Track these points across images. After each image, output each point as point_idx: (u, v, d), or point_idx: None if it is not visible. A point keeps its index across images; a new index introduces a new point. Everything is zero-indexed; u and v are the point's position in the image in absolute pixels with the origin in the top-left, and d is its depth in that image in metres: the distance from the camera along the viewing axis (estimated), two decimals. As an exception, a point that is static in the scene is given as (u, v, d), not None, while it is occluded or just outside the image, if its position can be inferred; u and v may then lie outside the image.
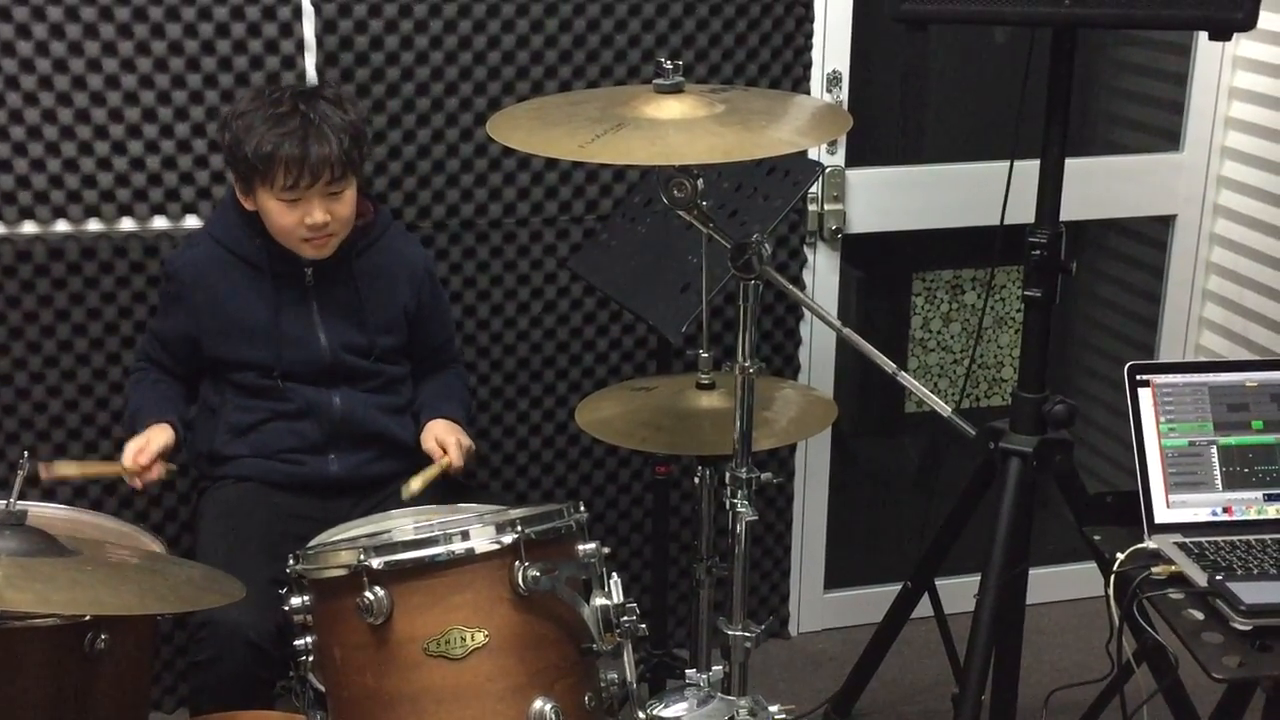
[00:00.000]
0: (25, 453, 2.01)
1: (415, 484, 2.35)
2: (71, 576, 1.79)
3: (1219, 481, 2.16)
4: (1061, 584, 3.36)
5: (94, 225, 2.73)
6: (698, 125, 1.98)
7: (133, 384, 2.62)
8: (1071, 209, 2.39)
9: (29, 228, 2.70)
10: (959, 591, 2.70)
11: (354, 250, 2.54)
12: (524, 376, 3.02)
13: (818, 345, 3.17)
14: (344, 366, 2.53)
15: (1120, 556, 2.05)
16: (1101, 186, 3.23)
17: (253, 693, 2.24)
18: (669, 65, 2.02)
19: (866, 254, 3.21)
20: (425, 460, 2.50)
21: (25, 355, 2.75)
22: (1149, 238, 3.41)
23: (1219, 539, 2.09)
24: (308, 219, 2.40)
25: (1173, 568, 2.02)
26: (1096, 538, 2.17)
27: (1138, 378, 2.19)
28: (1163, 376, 2.19)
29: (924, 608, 2.77)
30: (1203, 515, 2.15)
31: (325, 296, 2.53)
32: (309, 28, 2.72)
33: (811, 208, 3.07)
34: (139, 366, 2.64)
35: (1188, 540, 2.09)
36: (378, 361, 2.56)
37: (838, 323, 2.08)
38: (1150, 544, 2.08)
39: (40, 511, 2.08)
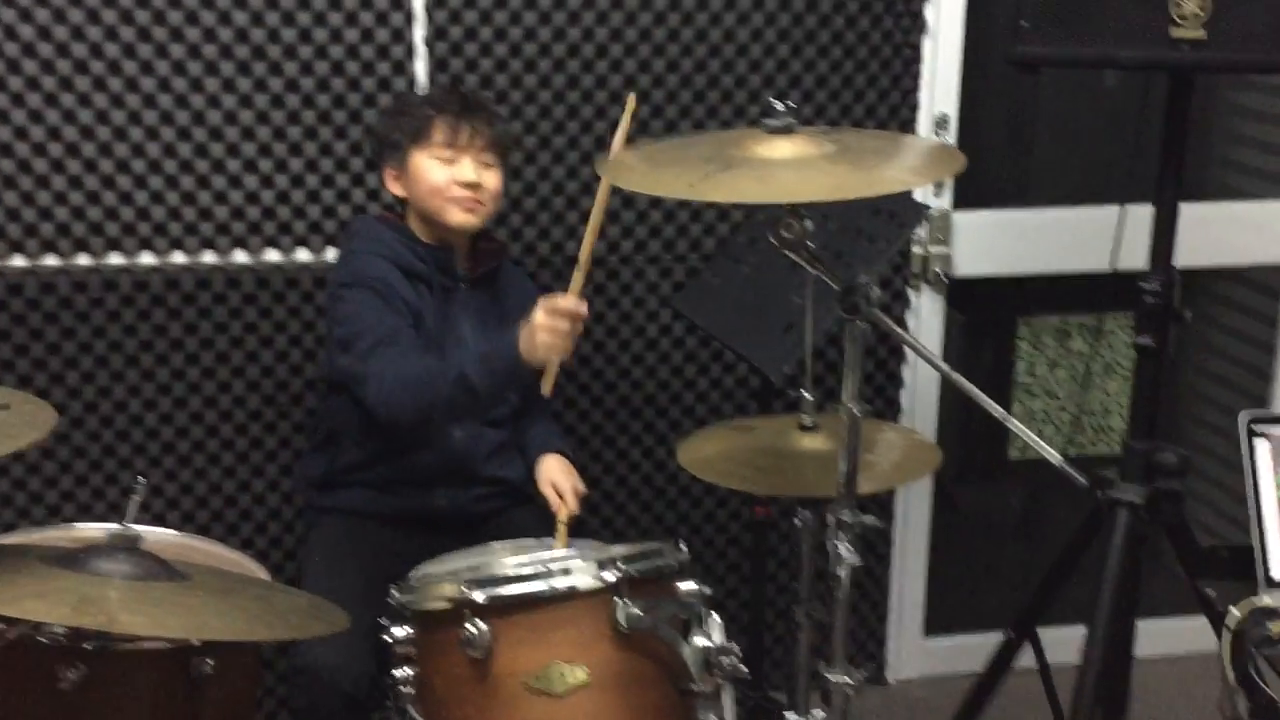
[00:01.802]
0: (139, 477, 2.05)
1: (559, 545, 2.35)
2: (183, 601, 1.82)
3: (1339, 537, 2.10)
4: (1170, 638, 3.27)
5: (208, 256, 2.80)
6: (808, 164, 1.98)
7: (409, 366, 2.35)
8: (1184, 255, 2.35)
9: (147, 258, 2.77)
10: (1063, 642, 2.63)
11: (500, 268, 2.60)
12: (624, 414, 3.03)
13: (919, 388, 3.14)
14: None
15: (1235, 612, 2.00)
16: (1216, 233, 3.17)
17: None
18: (779, 106, 2.02)
19: (971, 298, 3.17)
20: (527, 494, 2.52)
21: (139, 383, 2.81)
22: (1263, 285, 3.33)
23: (1339, 596, 2.03)
24: (459, 175, 2.46)
25: (1291, 625, 1.96)
26: (1210, 593, 2.12)
27: (1254, 429, 2.14)
28: (1280, 428, 2.14)
29: (1027, 658, 2.71)
30: (1322, 571, 2.09)
31: (476, 313, 2.56)
32: (421, 67, 2.77)
33: (916, 250, 3.05)
34: (384, 353, 2.37)
35: (1306, 597, 2.03)
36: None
37: (945, 366, 2.06)
38: (1266, 600, 2.03)
39: (153, 536, 2.12)
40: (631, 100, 2.30)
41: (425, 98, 2.55)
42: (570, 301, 2.22)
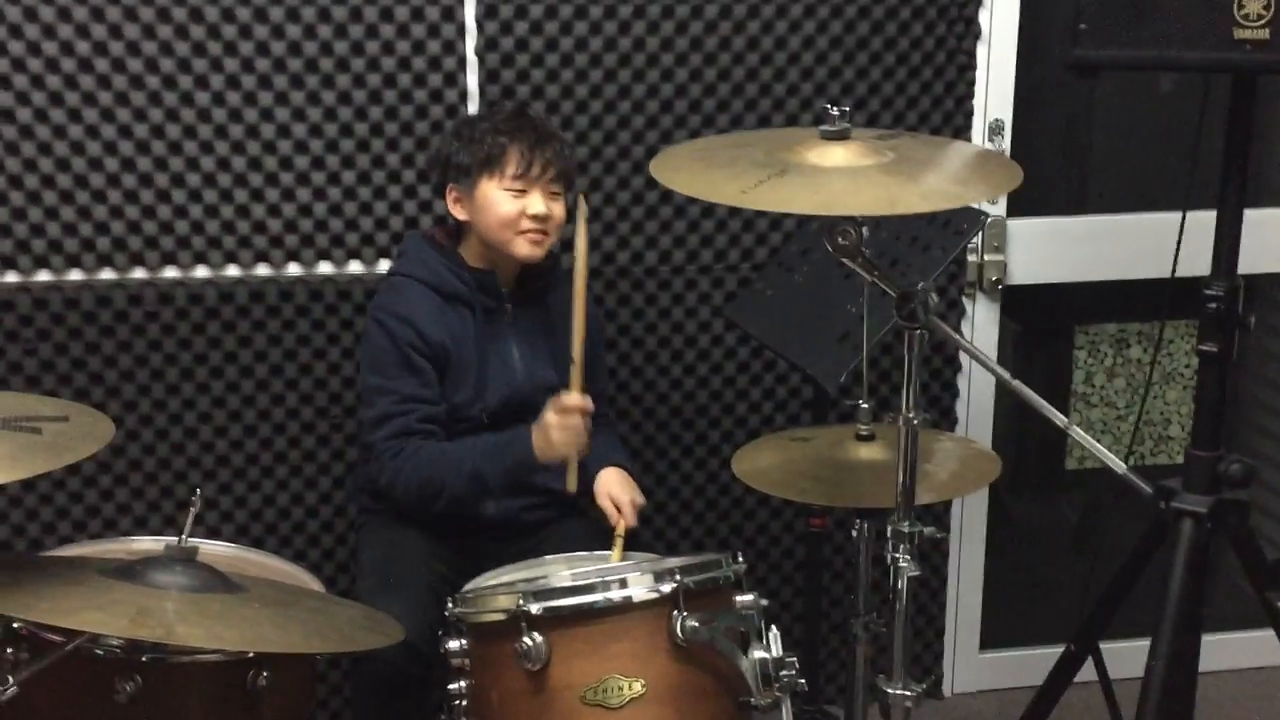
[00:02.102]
0: (197, 490, 2.05)
1: (614, 558, 2.34)
2: (240, 613, 1.83)
3: None
4: (1236, 651, 3.22)
5: (264, 269, 2.81)
6: (862, 174, 1.96)
7: (425, 463, 2.43)
8: (1246, 262, 2.31)
9: (201, 271, 2.78)
10: (1125, 656, 2.59)
11: (548, 284, 2.58)
12: (677, 424, 3.01)
13: (975, 398, 3.10)
14: (535, 407, 2.52)
15: (1306, 625, 1.95)
16: (1277, 239, 3.11)
17: (408, 692, 2.26)
18: (835, 111, 2.00)
19: (1027, 306, 3.14)
20: (579, 506, 2.50)
21: (194, 396, 2.82)
22: (1327, 292, 3.27)
23: None
24: (530, 209, 2.45)
25: (1363, 638, 1.91)
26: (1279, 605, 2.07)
27: (1323, 438, 2.09)
28: (1351, 437, 2.09)
29: (1087, 671, 2.67)
30: (1395, 584, 2.04)
31: (523, 332, 2.56)
32: (472, 79, 2.78)
33: (971, 258, 3.02)
34: (401, 447, 2.45)
35: (1379, 610, 1.98)
36: None
37: (1006, 374, 2.03)
38: (1339, 613, 1.98)
39: (208, 548, 2.12)
40: (582, 202, 2.34)
41: (497, 125, 2.50)
42: (576, 399, 2.34)
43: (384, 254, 2.81)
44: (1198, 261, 2.27)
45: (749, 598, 1.95)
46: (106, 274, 2.75)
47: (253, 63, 2.69)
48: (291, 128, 2.74)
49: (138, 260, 2.76)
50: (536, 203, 2.46)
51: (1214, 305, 2.24)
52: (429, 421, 2.47)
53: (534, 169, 2.45)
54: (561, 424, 2.35)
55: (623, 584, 1.88)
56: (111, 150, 2.70)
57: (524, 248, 2.48)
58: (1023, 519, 3.45)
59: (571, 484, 2.39)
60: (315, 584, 2.26)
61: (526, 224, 2.46)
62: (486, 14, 2.74)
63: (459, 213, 2.52)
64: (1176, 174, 3.13)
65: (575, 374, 2.35)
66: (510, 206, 2.46)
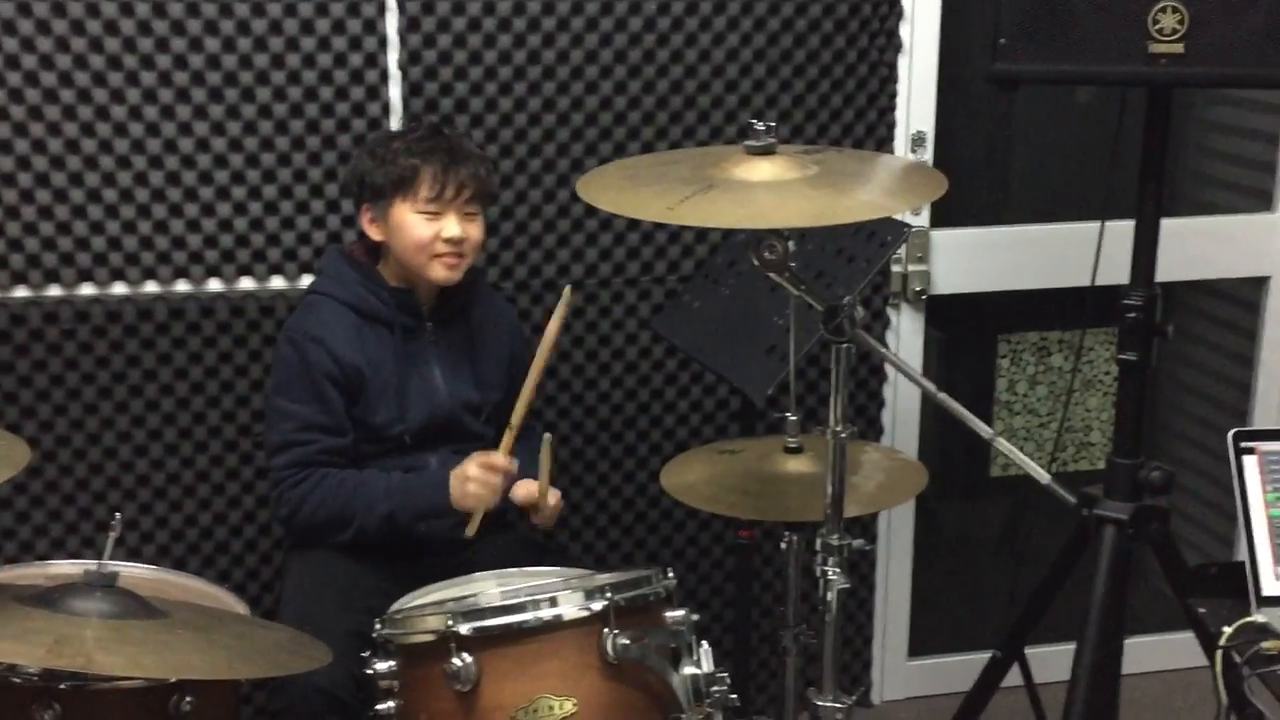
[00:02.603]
0: (116, 514, 2.01)
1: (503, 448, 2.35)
2: (162, 639, 1.79)
3: (1329, 553, 2.09)
4: (1158, 654, 3.27)
5: (182, 286, 2.77)
6: (788, 188, 1.97)
7: (330, 496, 2.41)
8: (1162, 270, 2.34)
9: (119, 288, 2.74)
10: (1050, 660, 2.63)
11: (469, 301, 2.56)
12: (605, 438, 3.00)
13: (901, 407, 3.13)
14: (458, 425, 2.52)
15: (1227, 631, 1.99)
16: (1192, 247, 3.18)
17: None
18: (761, 127, 2.01)
19: (951, 315, 3.17)
20: (507, 521, 2.50)
21: (113, 415, 2.77)
22: (1241, 300, 3.34)
23: (1331, 613, 2.02)
24: (445, 232, 2.42)
25: (1283, 642, 1.95)
26: (1201, 610, 2.10)
27: (1242, 445, 2.13)
28: (1269, 444, 2.13)
29: (1014, 677, 2.70)
30: (1313, 587, 2.08)
31: (444, 351, 2.54)
32: (395, 92, 2.75)
33: (895, 268, 3.04)
34: (304, 476, 2.43)
35: (1297, 614, 2.02)
36: (486, 422, 2.56)
37: (932, 387, 2.04)
38: (1258, 617, 2.02)
39: (129, 572, 2.08)
40: (567, 292, 2.34)
41: (410, 145, 2.45)
42: (503, 461, 2.37)
43: (307, 269, 2.77)
44: (1117, 270, 2.31)
45: (679, 614, 1.95)
46: (21, 291, 2.70)
47: (170, 76, 2.65)
48: (211, 142, 2.70)
49: (53, 277, 2.70)
50: (451, 226, 2.43)
51: (1133, 314, 2.27)
52: (330, 453, 2.44)
53: (448, 191, 2.42)
54: (482, 480, 2.36)
55: (553, 602, 1.87)
56: (25, 165, 2.64)
57: (439, 271, 2.45)
58: (949, 526, 3.48)
59: (471, 531, 2.40)
60: (239, 606, 2.22)
61: (441, 247, 2.42)
62: (409, 27, 2.72)
63: (374, 233, 2.48)
64: (1095, 184, 3.19)
65: (508, 438, 2.37)
66: (424, 230, 2.42)
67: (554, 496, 2.48)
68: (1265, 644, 1.95)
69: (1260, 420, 3.30)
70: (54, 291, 2.71)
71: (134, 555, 2.75)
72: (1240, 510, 2.11)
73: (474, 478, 2.36)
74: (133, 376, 2.76)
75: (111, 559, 1.95)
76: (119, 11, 2.60)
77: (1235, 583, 2.09)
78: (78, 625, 1.77)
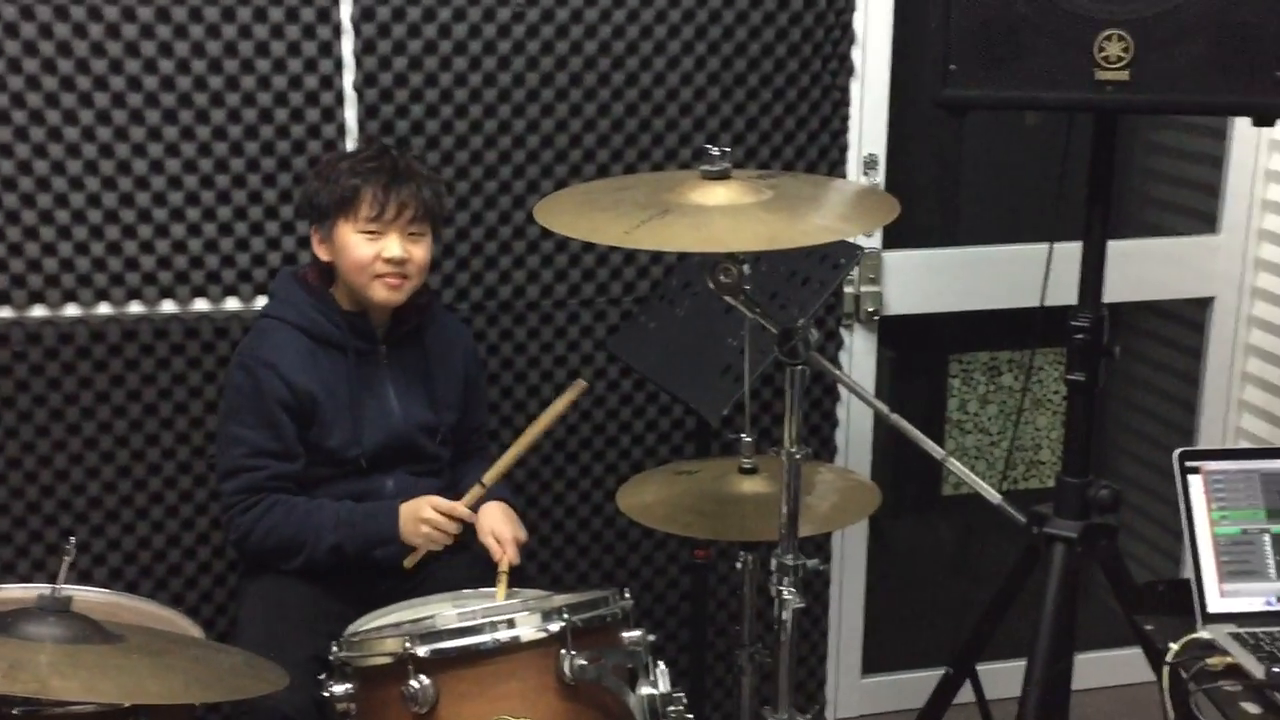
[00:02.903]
0: (70, 538, 2.00)
1: (499, 597, 2.34)
2: (117, 663, 1.79)
3: (1273, 570, 2.14)
4: (1107, 670, 3.31)
5: (135, 308, 2.76)
6: (743, 212, 1.99)
7: (280, 523, 2.42)
8: (1109, 291, 2.38)
9: (71, 310, 2.72)
10: (1001, 677, 2.66)
11: (423, 323, 2.56)
12: (560, 459, 3.01)
13: (854, 428, 3.16)
14: (415, 447, 2.52)
15: (1174, 647, 2.02)
16: (1138, 269, 3.23)
17: None
18: (716, 152, 2.03)
19: (903, 336, 3.20)
20: (463, 542, 2.50)
21: (65, 437, 2.75)
22: (1187, 320, 3.40)
23: (1275, 629, 2.06)
24: (385, 252, 2.42)
25: (1228, 659, 1.99)
26: (1148, 627, 2.14)
27: (1187, 464, 2.17)
28: (1213, 463, 2.17)
29: (965, 694, 2.72)
30: (1257, 605, 2.12)
31: (399, 373, 2.54)
32: (351, 114, 2.75)
33: (848, 290, 3.07)
34: (254, 502, 2.43)
35: (1242, 630, 2.06)
36: (442, 444, 2.56)
37: (885, 408, 2.07)
38: (1204, 634, 2.06)
39: (82, 596, 2.07)
40: (580, 385, 2.40)
41: (353, 165, 2.46)
42: (464, 513, 2.39)
43: (261, 290, 2.77)
44: (1066, 291, 2.34)
45: (636, 634, 1.96)
46: (-29, 313, 2.68)
47: (124, 98, 2.64)
48: (165, 163, 2.69)
49: (4, 299, 2.68)
50: (393, 246, 2.42)
51: (1080, 335, 2.31)
52: (280, 479, 2.44)
53: (388, 211, 2.42)
54: (438, 524, 2.37)
55: (510, 624, 1.88)
56: (-24, 186, 2.63)
57: (381, 292, 2.45)
58: (901, 544, 3.51)
59: (410, 564, 2.41)
60: (194, 629, 2.22)
61: (382, 267, 2.43)
62: (364, 49, 2.73)
63: (323, 254, 2.49)
64: (1045, 206, 3.23)
65: (476, 493, 2.40)
66: (365, 250, 2.42)
67: (519, 532, 2.50)
68: (1210, 660, 1.99)
69: (1206, 438, 3.36)
70: (5, 313, 2.69)
71: (86, 579, 2.72)
72: (1186, 528, 2.15)
73: (429, 520, 2.37)
74: (85, 399, 2.74)
75: (64, 583, 1.94)
76: (72, 33, 2.60)
77: (1182, 600, 2.13)
78: (32, 650, 1.76)
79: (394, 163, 2.47)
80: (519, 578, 2.54)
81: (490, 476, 2.40)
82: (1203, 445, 3.31)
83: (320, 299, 2.49)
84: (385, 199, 2.41)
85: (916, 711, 2.77)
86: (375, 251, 2.42)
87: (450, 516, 2.37)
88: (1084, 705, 3.13)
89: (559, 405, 2.38)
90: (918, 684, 2.88)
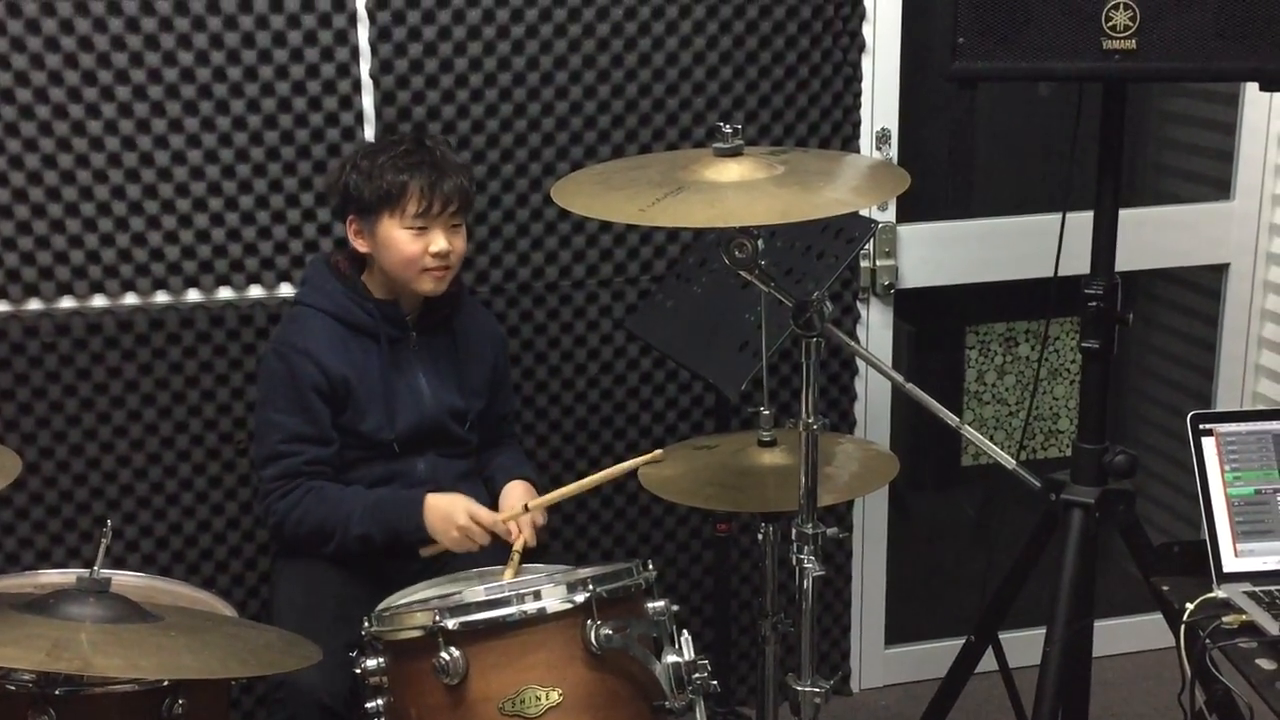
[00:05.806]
0: (107, 522, 2.05)
1: (508, 576, 2.35)
2: (156, 642, 1.83)
3: (1287, 530, 2.16)
4: (1127, 636, 3.34)
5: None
6: (756, 187, 2.02)
7: (313, 510, 2.44)
8: (1124, 259, 2.40)
9: (99, 301, 2.77)
10: (1023, 644, 2.68)
11: (452, 311, 2.60)
12: (582, 437, 3.05)
13: (873, 400, 3.19)
14: (444, 431, 2.55)
15: (1190, 607, 2.05)
16: (1153, 237, 3.24)
17: None
18: (728, 129, 2.06)
19: (919, 308, 3.23)
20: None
21: (95, 426, 2.80)
22: (1202, 287, 3.41)
23: (1289, 587, 2.08)
24: (433, 247, 2.45)
25: (1243, 617, 2.01)
26: (1165, 588, 2.16)
27: (1200, 427, 2.19)
28: (1226, 425, 2.19)
29: (988, 661, 2.75)
30: (1272, 564, 2.14)
31: (429, 360, 2.57)
32: (368, 101, 2.79)
33: (864, 263, 3.10)
34: (291, 488, 2.46)
35: (1257, 589, 2.08)
36: (470, 429, 2.60)
37: (900, 379, 2.10)
38: (1220, 593, 2.08)
39: (120, 579, 2.12)
40: (659, 454, 2.41)
41: (394, 160, 2.46)
42: (502, 529, 2.39)
43: (285, 278, 2.81)
44: (1079, 261, 2.36)
45: (660, 604, 1.99)
46: (1, 306, 2.73)
47: (145, 90, 2.69)
48: (187, 154, 2.73)
49: (33, 291, 2.73)
50: (439, 240, 2.46)
51: (1094, 303, 2.33)
52: (316, 464, 2.47)
53: (434, 207, 2.45)
54: (470, 535, 2.38)
55: (537, 596, 1.92)
56: (2, 181, 2.67)
57: (427, 284, 2.48)
58: (922, 515, 3.54)
59: (427, 554, 2.43)
60: (228, 610, 2.26)
61: (430, 261, 2.46)
62: (380, 36, 2.76)
63: (360, 245, 2.52)
64: (1056, 177, 3.25)
65: (516, 512, 2.40)
66: (413, 246, 2.45)
67: (537, 516, 2.50)
68: (1226, 619, 2.01)
69: (1222, 403, 3.37)
70: (34, 305, 2.74)
71: (120, 563, 2.77)
72: (1200, 490, 2.17)
73: (462, 528, 2.37)
74: (114, 388, 2.79)
75: (101, 567, 1.98)
76: (93, 28, 2.64)
77: (1197, 561, 2.15)
78: (73, 630, 1.80)
79: (434, 157, 2.49)
80: (541, 558, 2.58)
81: (536, 503, 2.43)
82: (1219, 409, 3.33)
83: (352, 287, 2.53)
84: (431, 196, 2.44)
85: (939, 680, 2.80)
86: (422, 247, 2.45)
87: (484, 529, 2.38)
88: (1105, 670, 3.16)
89: (629, 464, 2.41)
90: (942, 653, 2.91)
